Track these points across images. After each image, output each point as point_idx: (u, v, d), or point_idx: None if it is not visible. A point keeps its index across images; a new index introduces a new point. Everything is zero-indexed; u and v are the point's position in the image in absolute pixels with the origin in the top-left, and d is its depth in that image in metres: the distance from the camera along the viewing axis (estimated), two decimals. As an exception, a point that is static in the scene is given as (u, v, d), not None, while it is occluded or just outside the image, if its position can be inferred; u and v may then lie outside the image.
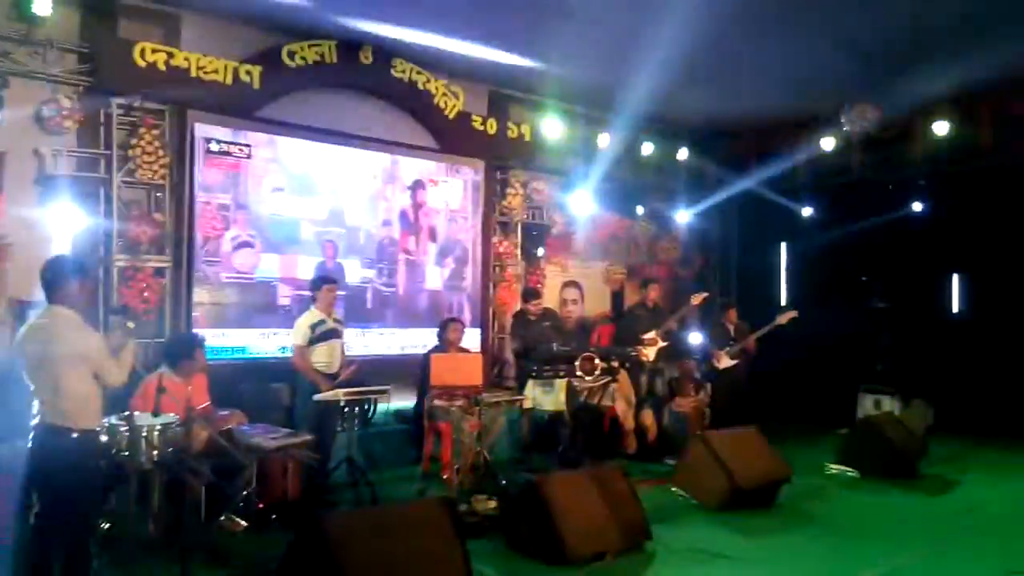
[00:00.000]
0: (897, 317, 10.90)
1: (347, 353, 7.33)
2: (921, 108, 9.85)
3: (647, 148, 11.10)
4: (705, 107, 10.72)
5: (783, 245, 12.55)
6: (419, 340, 9.03)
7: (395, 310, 9.20)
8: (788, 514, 6.71)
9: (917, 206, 10.83)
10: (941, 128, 9.83)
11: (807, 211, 11.74)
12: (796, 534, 6.18)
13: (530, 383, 8.05)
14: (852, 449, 8.19)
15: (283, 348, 7.96)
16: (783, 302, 12.16)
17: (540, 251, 10.52)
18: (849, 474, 8.00)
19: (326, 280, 7.30)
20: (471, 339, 9.07)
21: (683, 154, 11.51)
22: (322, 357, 6.98)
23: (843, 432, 8.90)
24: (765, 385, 9.80)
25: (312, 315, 7.03)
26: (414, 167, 9.38)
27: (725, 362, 9.12)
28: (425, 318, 9.35)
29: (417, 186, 9.38)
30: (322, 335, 6.99)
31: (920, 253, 10.71)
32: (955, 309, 11.14)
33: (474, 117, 9.65)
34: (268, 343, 8.08)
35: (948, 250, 10.59)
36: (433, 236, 9.55)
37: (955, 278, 11.13)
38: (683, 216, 12.25)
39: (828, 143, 10.58)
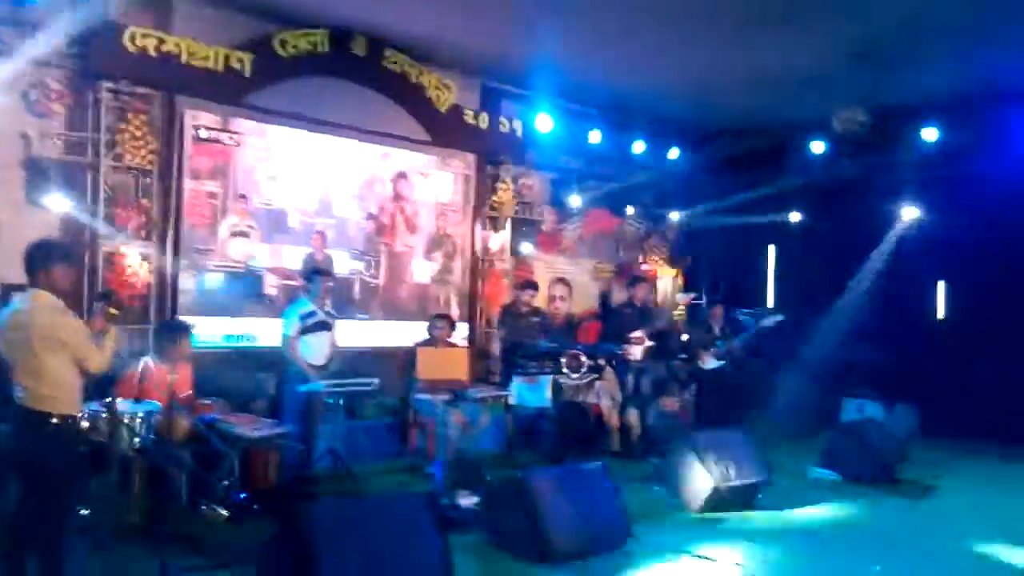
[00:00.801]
0: (883, 322, 10.95)
1: (336, 345, 7.32)
2: (911, 111, 9.89)
3: (638, 146, 11.11)
4: (697, 107, 10.75)
5: (771, 247, 12.58)
6: (405, 333, 9.00)
7: (380, 302, 9.17)
8: (769, 516, 6.72)
9: (905, 210, 10.86)
10: (930, 133, 9.87)
11: (796, 214, 11.76)
12: (776, 536, 6.19)
13: (516, 379, 8.04)
14: (834, 453, 8.22)
15: (229, 336, 7.86)
16: (770, 304, 12.20)
17: (529, 247, 10.50)
18: (831, 477, 8.04)
19: (319, 271, 7.30)
20: (459, 334, 9.04)
21: (674, 153, 11.52)
22: (311, 348, 6.97)
23: (826, 436, 8.92)
24: (750, 387, 9.82)
25: (303, 306, 7.02)
26: (404, 159, 9.35)
27: (710, 362, 9.14)
28: (411, 311, 9.33)
29: (399, 177, 9.32)
30: (313, 326, 6.98)
31: (908, 258, 10.74)
32: (940, 315, 11.21)
33: (466, 111, 9.63)
34: (255, 332, 8.02)
35: (936, 255, 10.61)
36: (412, 228, 9.48)
37: (941, 284, 11.18)
38: (673, 215, 12.26)
39: (817, 146, 10.61)
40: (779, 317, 9.41)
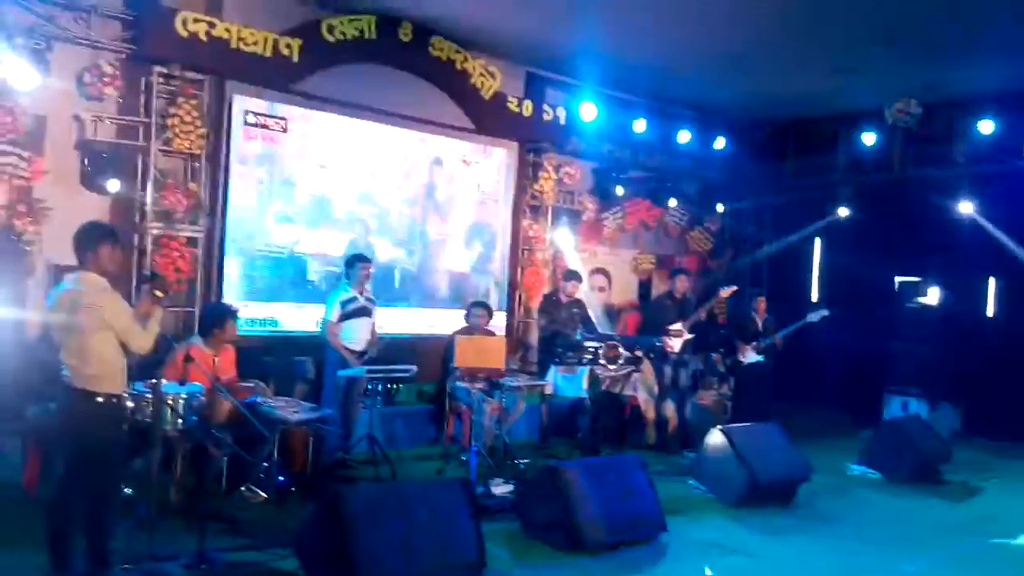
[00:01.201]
0: (930, 319, 10.71)
1: (377, 331, 7.39)
2: (965, 105, 9.65)
3: (684, 136, 10.98)
4: (745, 97, 10.59)
5: (817, 240, 12.38)
6: (443, 321, 9.04)
7: (419, 290, 9.23)
8: (806, 513, 6.65)
9: (957, 206, 10.59)
10: (986, 126, 9.62)
11: (844, 207, 11.52)
12: (813, 534, 6.14)
13: (553, 369, 8.05)
14: (875, 450, 8.10)
15: (250, 320, 7.88)
16: (814, 298, 12.02)
17: (570, 236, 10.45)
18: (871, 476, 7.92)
19: (360, 258, 7.35)
20: (497, 323, 9.05)
21: (720, 143, 11.36)
22: (351, 334, 7.05)
23: (867, 433, 8.79)
24: (790, 382, 9.70)
25: (344, 291, 7.10)
26: (447, 147, 9.36)
27: (751, 356, 9.03)
28: (449, 299, 9.37)
29: (433, 164, 9.30)
30: (353, 312, 7.06)
31: (958, 254, 10.48)
32: (990, 312, 10.94)
33: (510, 98, 9.60)
34: (298, 317, 8.12)
35: (987, 252, 10.33)
36: (444, 216, 9.44)
37: (992, 281, 10.91)
38: (717, 207, 12.10)
39: (869, 138, 10.40)
40: (824, 312, 9.27)
